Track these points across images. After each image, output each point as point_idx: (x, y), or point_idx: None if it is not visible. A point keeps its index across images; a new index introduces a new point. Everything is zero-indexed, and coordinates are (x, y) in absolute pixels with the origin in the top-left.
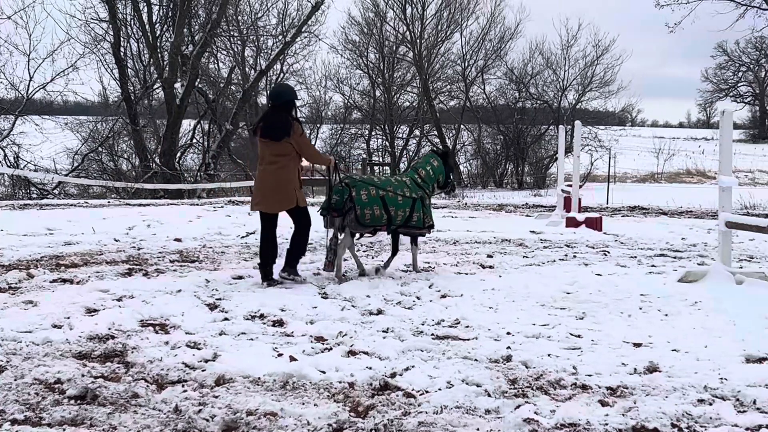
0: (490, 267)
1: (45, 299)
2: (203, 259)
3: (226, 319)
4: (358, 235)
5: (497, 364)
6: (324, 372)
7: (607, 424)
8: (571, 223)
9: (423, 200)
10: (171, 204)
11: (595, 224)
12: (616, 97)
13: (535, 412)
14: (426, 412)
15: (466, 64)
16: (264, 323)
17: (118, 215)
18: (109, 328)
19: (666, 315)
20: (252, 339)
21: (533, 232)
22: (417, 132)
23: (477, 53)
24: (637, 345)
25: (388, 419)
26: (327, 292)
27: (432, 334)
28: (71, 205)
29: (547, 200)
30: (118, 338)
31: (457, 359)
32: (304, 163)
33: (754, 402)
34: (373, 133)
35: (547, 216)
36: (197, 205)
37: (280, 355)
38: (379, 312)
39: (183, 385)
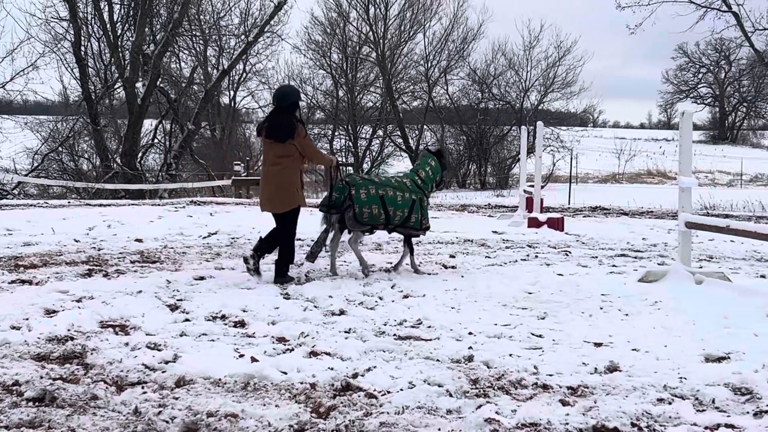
0: (453, 267)
1: (3, 300)
2: (164, 260)
3: (187, 320)
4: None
5: (459, 364)
6: (285, 373)
7: (567, 424)
8: (533, 223)
9: (421, 202)
10: (132, 204)
11: (556, 224)
12: (578, 98)
13: (497, 412)
14: (388, 413)
15: (429, 65)
16: (225, 324)
17: (79, 216)
18: (69, 330)
19: (626, 315)
20: (213, 340)
21: (495, 232)
22: (380, 132)
23: (440, 54)
24: (598, 345)
25: (349, 420)
26: (289, 292)
27: (394, 335)
28: (31, 205)
29: (510, 200)
30: (78, 340)
31: (419, 359)
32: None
33: (713, 401)
34: (336, 133)
35: (510, 216)
36: (159, 205)
37: (241, 356)
38: (342, 312)
39: (143, 387)
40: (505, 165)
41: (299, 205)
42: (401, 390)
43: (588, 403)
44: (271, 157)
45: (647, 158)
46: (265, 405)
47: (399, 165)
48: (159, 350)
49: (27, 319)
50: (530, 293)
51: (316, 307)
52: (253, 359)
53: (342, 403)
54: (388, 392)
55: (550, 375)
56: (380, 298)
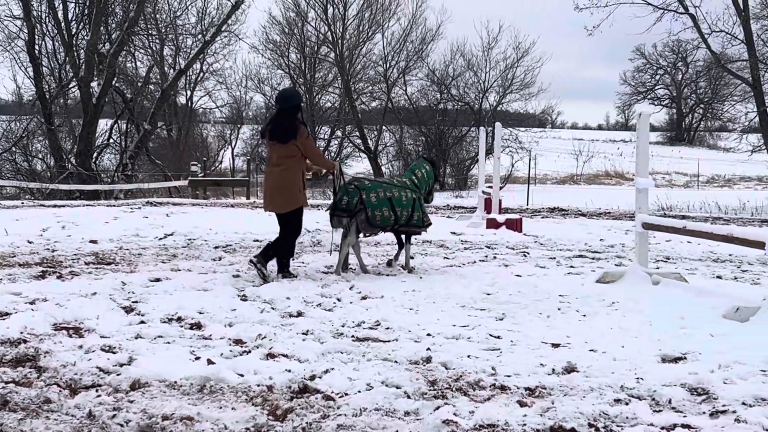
0: (411, 268)
1: None
2: (119, 261)
3: (142, 322)
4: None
5: (417, 366)
6: (242, 375)
7: (525, 425)
8: (492, 224)
9: (419, 200)
10: (87, 205)
11: (515, 226)
12: (537, 99)
13: (455, 414)
14: (345, 415)
15: (388, 65)
16: (181, 326)
17: (32, 216)
18: (21, 332)
19: (584, 315)
20: (169, 342)
21: (454, 233)
22: (339, 133)
23: (399, 54)
24: (556, 345)
25: (306, 422)
26: (246, 294)
27: (352, 336)
28: None
29: (468, 201)
30: (31, 342)
31: (377, 361)
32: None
33: (670, 401)
34: None
35: (468, 217)
36: (114, 206)
37: (197, 358)
38: (299, 314)
39: (97, 390)
40: (463, 166)
41: (302, 205)
42: (359, 392)
43: (545, 404)
44: (275, 158)
45: (605, 159)
46: (221, 408)
47: (358, 166)
48: (114, 353)
49: None
50: (488, 294)
51: (273, 308)
52: (210, 361)
53: (299, 405)
54: (346, 394)
55: (508, 376)
56: (338, 300)
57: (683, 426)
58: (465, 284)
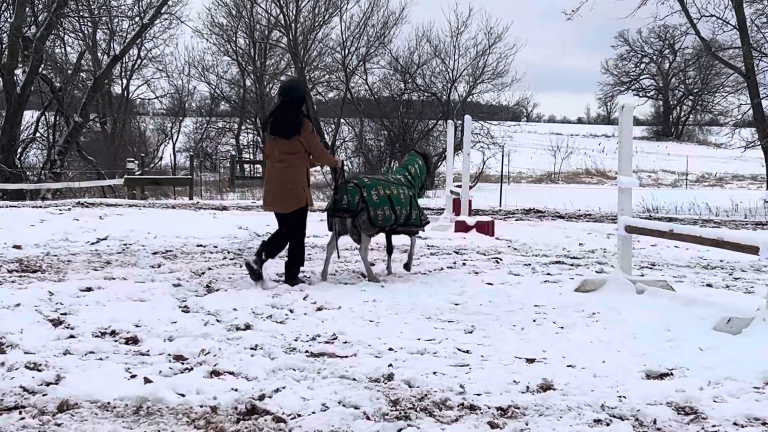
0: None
1: None
2: (46, 269)
3: (72, 336)
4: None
5: (378, 384)
6: (183, 395)
7: None
8: (461, 227)
9: (415, 197)
10: (10, 206)
11: (486, 229)
12: (510, 89)
13: None
14: None
15: (347, 52)
16: (116, 341)
17: None
18: None
19: (561, 328)
20: (101, 359)
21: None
22: None
23: (358, 40)
24: (530, 361)
25: None
26: (188, 305)
27: (306, 351)
28: None
29: (435, 202)
30: None
31: (333, 378)
32: None
33: (655, 422)
34: (243, 127)
35: (435, 219)
36: (41, 207)
37: (133, 376)
38: (247, 327)
39: (21, 412)
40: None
41: (306, 205)
42: (313, 413)
43: (519, 425)
44: (277, 153)
45: (585, 156)
46: (159, 431)
47: None
48: (39, 371)
49: None
50: (457, 304)
51: (218, 320)
52: (147, 380)
53: (246, 428)
54: (299, 415)
55: (478, 394)
56: (291, 311)
57: None
58: (431, 293)
